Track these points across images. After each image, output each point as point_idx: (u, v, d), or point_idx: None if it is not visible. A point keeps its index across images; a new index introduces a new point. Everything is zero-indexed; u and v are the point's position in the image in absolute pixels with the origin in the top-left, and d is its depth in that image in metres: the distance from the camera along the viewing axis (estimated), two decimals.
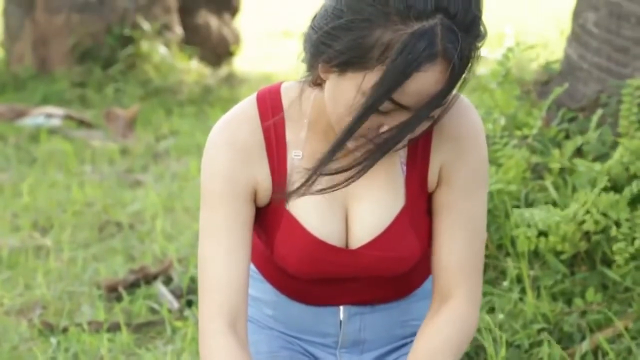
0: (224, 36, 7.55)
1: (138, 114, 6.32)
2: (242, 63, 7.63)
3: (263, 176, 2.19)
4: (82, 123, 6.28)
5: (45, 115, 6.31)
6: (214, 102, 6.61)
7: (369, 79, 1.93)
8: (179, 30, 7.28)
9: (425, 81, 1.92)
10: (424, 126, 2.03)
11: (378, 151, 2.01)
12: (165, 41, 7.11)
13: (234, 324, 2.12)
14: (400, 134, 1.98)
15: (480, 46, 1.96)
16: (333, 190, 2.08)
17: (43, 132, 5.94)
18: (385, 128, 1.99)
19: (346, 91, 1.98)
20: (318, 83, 2.10)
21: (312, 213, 2.20)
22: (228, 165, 2.17)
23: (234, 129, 2.19)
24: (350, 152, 2.03)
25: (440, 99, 1.95)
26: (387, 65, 1.90)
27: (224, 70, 7.44)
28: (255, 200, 2.20)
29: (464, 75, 1.96)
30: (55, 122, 6.24)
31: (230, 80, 7.23)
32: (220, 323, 2.12)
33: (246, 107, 2.21)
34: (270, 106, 2.20)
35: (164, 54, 7.05)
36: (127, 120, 6.19)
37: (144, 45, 6.99)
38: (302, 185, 2.07)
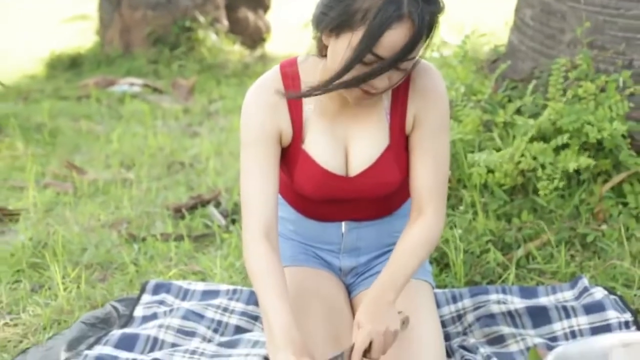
0: (258, 27, 7.49)
1: (196, 84, 6.29)
2: (271, 46, 7.59)
3: (285, 124, 2.19)
4: (155, 90, 6.26)
5: (129, 84, 6.29)
6: (251, 75, 6.58)
7: (355, 37, 1.95)
8: (225, 22, 7.22)
9: (395, 37, 1.93)
10: (398, 77, 2.04)
11: (357, 80, 2.00)
12: (215, 30, 7.06)
13: (267, 233, 2.12)
14: (375, 72, 1.98)
15: (440, 15, 1.98)
16: (315, 95, 2.07)
17: (127, 96, 5.93)
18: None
19: (340, 49, 1.99)
20: (324, 55, 2.10)
21: (321, 151, 2.20)
22: (260, 117, 2.16)
23: (264, 90, 2.18)
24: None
25: (407, 51, 1.95)
26: (367, 24, 1.92)
27: (258, 52, 7.38)
28: (280, 143, 2.20)
29: (427, 38, 1.98)
30: (136, 89, 6.22)
31: (263, 59, 7.18)
32: (258, 233, 2.12)
33: (272, 74, 2.21)
34: (290, 73, 2.20)
35: (214, 40, 6.99)
36: (188, 88, 6.17)
37: (200, 33, 6.93)
38: (307, 91, 2.07)
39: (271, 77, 2.20)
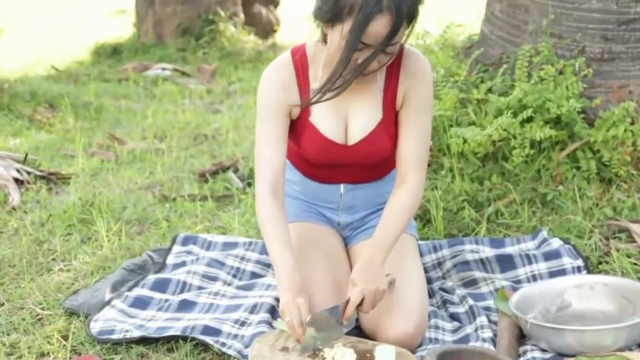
0: (270, 19, 7.40)
1: (217, 68, 6.24)
2: (281, 37, 7.52)
3: (295, 100, 2.18)
4: (183, 73, 6.20)
5: (161, 69, 6.23)
6: (263, 61, 6.53)
7: (345, 28, 1.95)
8: (242, 16, 7.13)
9: (378, 27, 1.93)
10: (386, 59, 2.03)
11: (356, 72, 2.01)
12: (233, 23, 6.98)
13: (274, 191, 2.13)
14: (368, 61, 1.98)
15: (419, 4, 1.98)
16: (330, 99, 2.06)
17: (160, 79, 5.88)
18: (360, 60, 2.00)
19: (335, 38, 2.00)
20: (325, 41, 2.09)
21: (325, 122, 2.19)
22: (274, 93, 2.15)
23: (278, 71, 2.18)
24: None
25: (390, 38, 1.95)
26: (353, 17, 1.92)
27: (269, 42, 7.30)
28: (290, 116, 2.19)
29: (409, 25, 1.97)
30: (167, 73, 6.16)
31: (274, 47, 7.11)
32: (266, 190, 2.13)
33: (285, 57, 2.20)
34: (299, 57, 2.19)
35: (233, 31, 6.91)
36: (210, 72, 6.11)
37: (221, 26, 6.86)
38: (315, 96, 2.07)
39: (284, 61, 2.19)
